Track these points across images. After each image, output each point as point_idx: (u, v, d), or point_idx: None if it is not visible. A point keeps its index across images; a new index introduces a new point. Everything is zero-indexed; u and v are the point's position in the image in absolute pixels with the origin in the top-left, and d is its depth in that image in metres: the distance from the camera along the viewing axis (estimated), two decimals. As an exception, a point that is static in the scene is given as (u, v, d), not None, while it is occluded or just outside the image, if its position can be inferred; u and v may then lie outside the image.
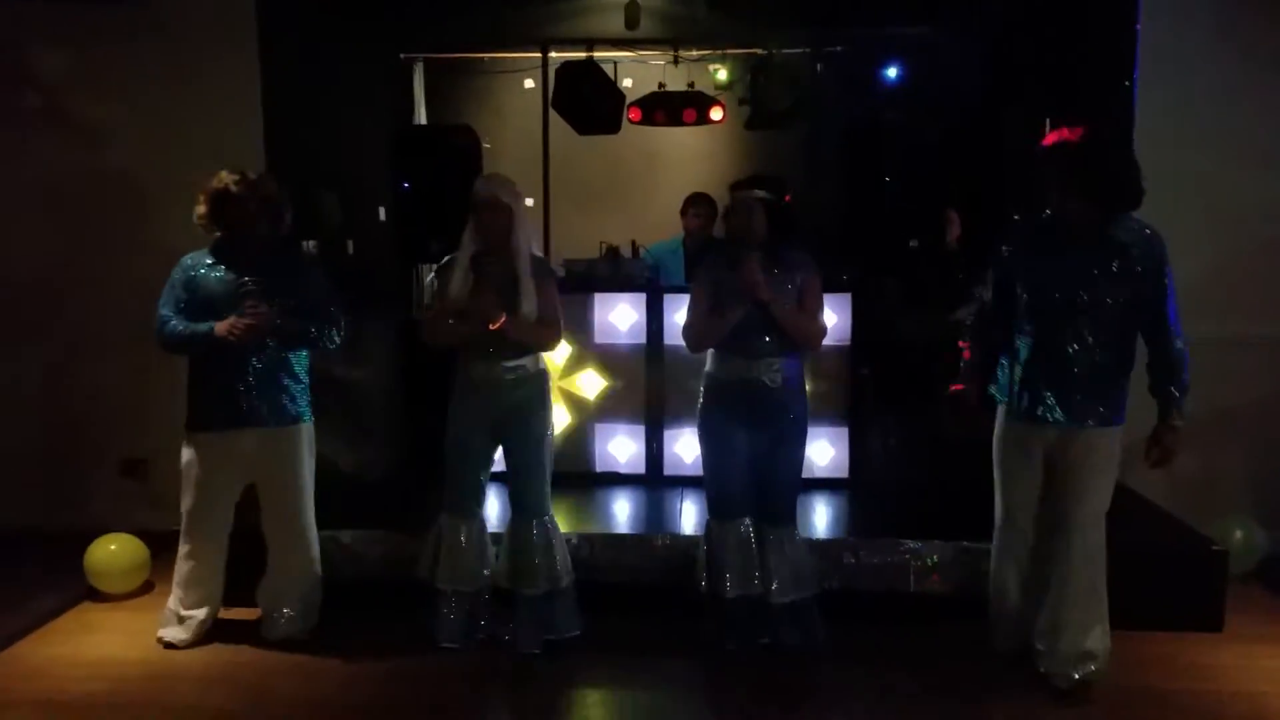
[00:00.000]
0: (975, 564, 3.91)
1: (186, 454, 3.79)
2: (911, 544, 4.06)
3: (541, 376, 3.84)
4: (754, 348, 3.64)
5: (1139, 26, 4.66)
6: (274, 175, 3.83)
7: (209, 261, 3.74)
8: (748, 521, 3.78)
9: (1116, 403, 3.41)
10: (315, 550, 3.97)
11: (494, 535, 3.96)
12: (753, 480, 3.77)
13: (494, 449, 3.87)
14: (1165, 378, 3.38)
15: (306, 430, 3.88)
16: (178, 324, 3.66)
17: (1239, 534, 4.52)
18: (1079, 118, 4.60)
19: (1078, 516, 3.44)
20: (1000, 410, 3.62)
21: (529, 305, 3.64)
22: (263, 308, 3.58)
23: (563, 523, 4.12)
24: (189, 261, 3.75)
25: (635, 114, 6.85)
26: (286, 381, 3.78)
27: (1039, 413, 3.43)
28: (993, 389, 3.63)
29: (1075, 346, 3.35)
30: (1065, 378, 3.38)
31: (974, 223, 5.34)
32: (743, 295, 3.57)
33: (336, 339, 3.83)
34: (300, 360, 3.84)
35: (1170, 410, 3.38)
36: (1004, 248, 3.53)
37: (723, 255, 3.73)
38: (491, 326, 3.59)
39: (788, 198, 3.67)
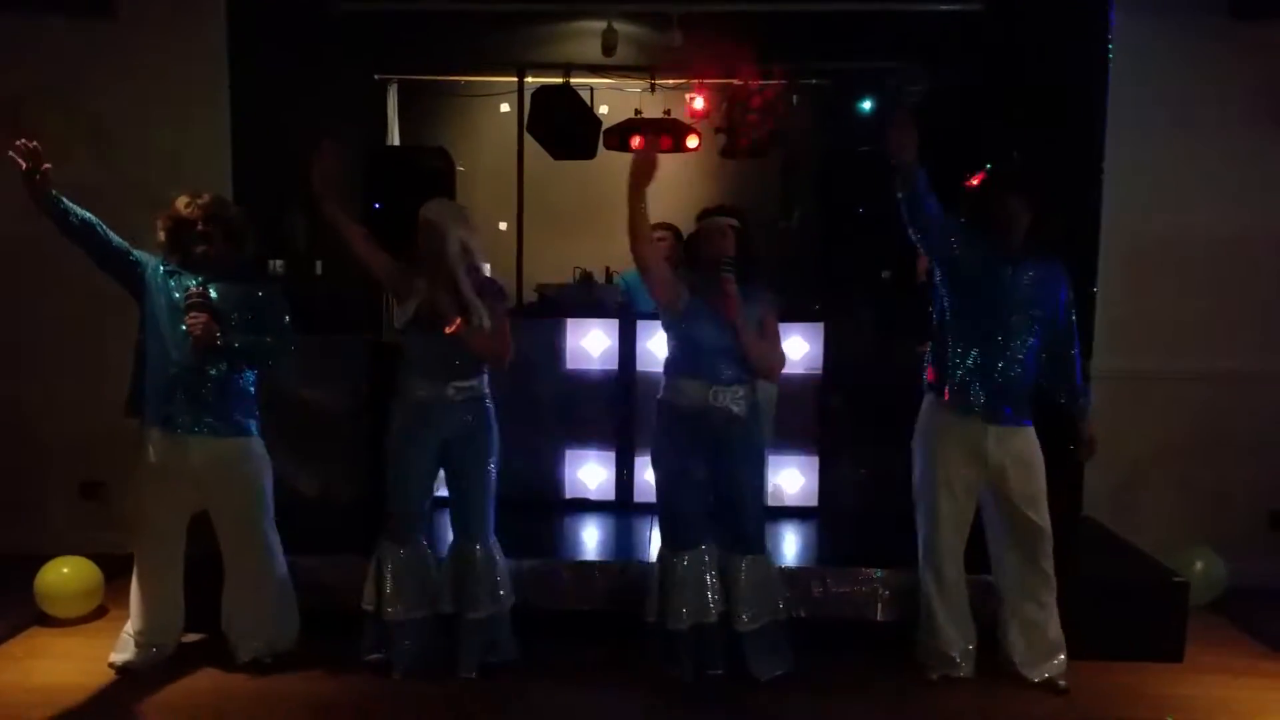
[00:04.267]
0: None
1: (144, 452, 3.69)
2: (879, 572, 4.05)
3: (487, 400, 3.83)
4: (720, 374, 3.63)
5: (1109, 60, 4.75)
6: (235, 198, 3.77)
7: (167, 268, 3.67)
8: (704, 549, 3.75)
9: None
10: (279, 570, 3.87)
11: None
12: (714, 508, 3.74)
13: (436, 471, 3.84)
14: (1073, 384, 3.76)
15: (255, 445, 3.80)
16: (106, 230, 3.60)
17: (1200, 565, 4.54)
18: (1048, 153, 4.70)
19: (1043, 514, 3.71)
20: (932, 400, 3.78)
21: (480, 318, 3.65)
22: (203, 319, 3.52)
23: (529, 549, 4.09)
24: (152, 261, 3.68)
25: (610, 141, 6.85)
26: (232, 394, 3.69)
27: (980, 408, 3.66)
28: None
29: (1017, 353, 3.63)
30: (1004, 379, 3.62)
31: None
32: (719, 311, 3.56)
33: (282, 361, 3.77)
34: (247, 375, 3.77)
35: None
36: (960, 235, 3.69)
37: (691, 278, 3.73)
38: (448, 330, 3.59)
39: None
